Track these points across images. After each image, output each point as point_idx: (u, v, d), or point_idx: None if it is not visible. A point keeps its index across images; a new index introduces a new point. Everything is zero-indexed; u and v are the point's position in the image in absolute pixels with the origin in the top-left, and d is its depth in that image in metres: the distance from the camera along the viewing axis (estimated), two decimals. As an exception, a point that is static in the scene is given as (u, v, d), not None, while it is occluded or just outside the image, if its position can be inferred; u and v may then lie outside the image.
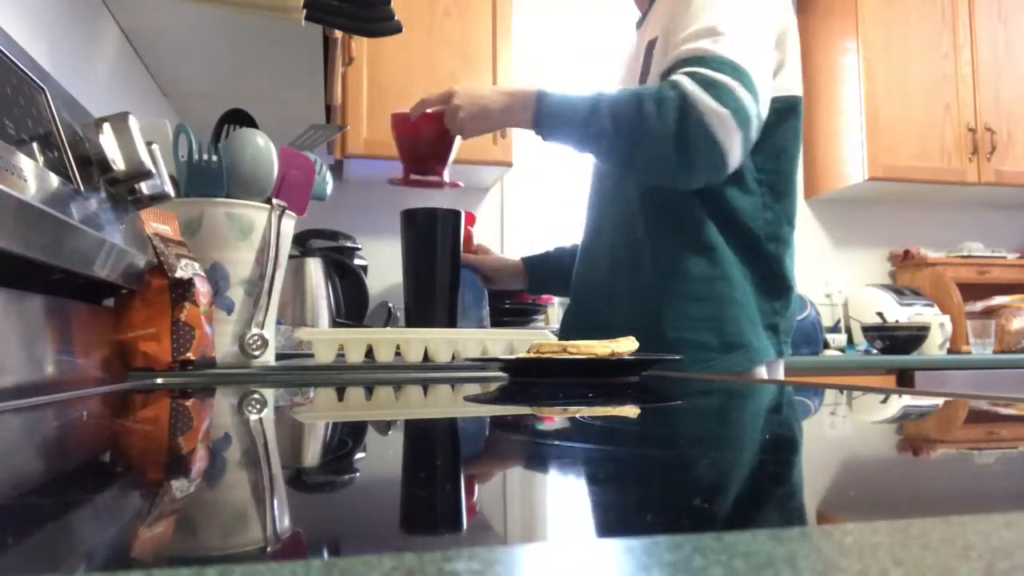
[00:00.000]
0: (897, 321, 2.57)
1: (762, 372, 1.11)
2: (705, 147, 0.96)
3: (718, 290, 1.08)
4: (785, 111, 1.11)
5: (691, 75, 0.97)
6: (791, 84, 1.12)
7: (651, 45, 1.14)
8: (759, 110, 0.99)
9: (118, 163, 0.72)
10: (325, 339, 0.98)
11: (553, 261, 1.42)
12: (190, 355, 0.87)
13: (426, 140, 1.05)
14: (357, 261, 2.14)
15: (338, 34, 1.44)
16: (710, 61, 0.98)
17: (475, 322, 1.50)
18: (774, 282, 1.12)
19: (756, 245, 1.10)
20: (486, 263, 1.45)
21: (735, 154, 0.98)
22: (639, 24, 1.28)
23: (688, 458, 0.31)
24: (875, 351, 2.54)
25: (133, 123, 0.73)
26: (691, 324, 1.08)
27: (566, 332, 1.26)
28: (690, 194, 1.08)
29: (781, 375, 1.17)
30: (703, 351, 1.07)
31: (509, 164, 2.36)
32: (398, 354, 1.01)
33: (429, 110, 1.09)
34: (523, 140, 2.55)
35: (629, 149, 1.01)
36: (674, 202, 1.10)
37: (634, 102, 0.99)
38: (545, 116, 1.03)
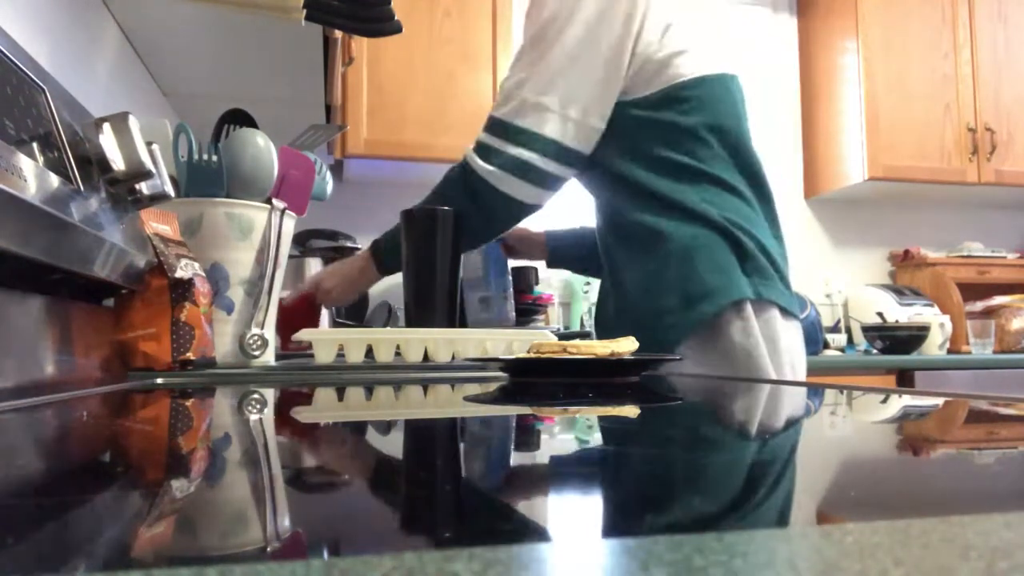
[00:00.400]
0: (897, 321, 2.57)
1: (737, 323, 1.08)
2: (491, 199, 1.15)
3: (677, 251, 1.10)
4: (679, 96, 1.13)
5: (475, 144, 1.17)
6: (694, 68, 1.13)
7: None
8: (540, 149, 1.12)
9: (118, 163, 0.72)
10: (325, 339, 0.98)
11: (576, 238, 1.43)
12: (190, 355, 0.87)
13: (300, 313, 1.37)
14: (358, 261, 2.13)
15: (338, 34, 1.44)
16: (488, 125, 1.17)
17: (499, 291, 1.48)
18: (737, 247, 1.11)
19: (703, 220, 1.11)
20: (510, 231, 1.44)
21: (528, 194, 1.14)
22: None
23: (688, 458, 0.31)
24: (875, 351, 2.54)
25: (133, 123, 0.73)
26: (659, 290, 1.11)
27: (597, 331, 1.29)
28: (625, 187, 1.16)
29: (776, 324, 1.11)
30: (671, 314, 1.09)
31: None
32: (398, 354, 1.01)
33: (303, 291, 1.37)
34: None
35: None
36: (614, 195, 1.18)
37: (434, 192, 1.21)
38: (382, 253, 1.26)
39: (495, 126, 1.16)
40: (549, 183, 1.15)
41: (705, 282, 1.09)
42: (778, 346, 1.11)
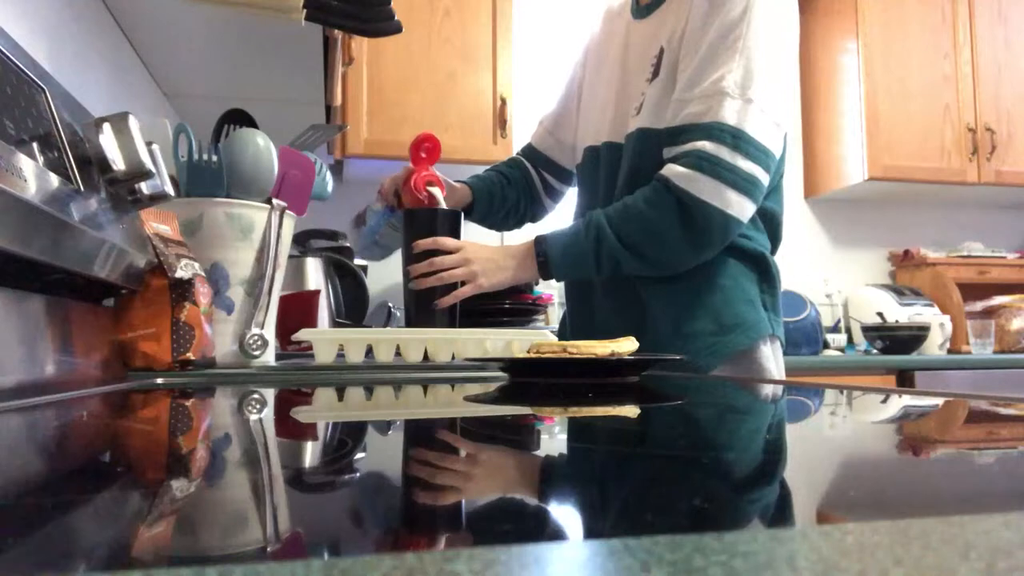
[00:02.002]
0: (897, 321, 2.57)
1: (764, 350, 1.13)
2: (713, 226, 1.02)
3: (708, 279, 1.12)
4: None
5: (686, 158, 1.01)
6: None
7: (661, 52, 1.13)
8: (765, 166, 1.02)
9: (118, 163, 0.72)
10: (325, 339, 0.98)
11: (499, 193, 1.37)
12: (190, 355, 0.87)
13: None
14: (357, 261, 2.14)
15: (338, 34, 1.44)
16: (710, 129, 1.00)
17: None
18: (758, 265, 1.15)
19: (737, 250, 1.13)
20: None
21: (747, 213, 1.04)
22: (638, 13, 1.22)
23: (688, 458, 0.31)
24: (875, 351, 2.54)
25: (133, 123, 0.73)
26: (690, 315, 1.12)
27: (564, 336, 1.26)
28: None
29: (780, 356, 1.17)
30: (705, 337, 1.10)
31: (509, 164, 2.37)
32: (398, 354, 1.01)
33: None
34: (523, 140, 2.55)
35: (645, 259, 1.07)
36: None
37: (635, 217, 1.05)
38: (555, 268, 1.10)
39: (723, 133, 1.00)
40: (757, 203, 1.05)
41: (738, 314, 1.11)
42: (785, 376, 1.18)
